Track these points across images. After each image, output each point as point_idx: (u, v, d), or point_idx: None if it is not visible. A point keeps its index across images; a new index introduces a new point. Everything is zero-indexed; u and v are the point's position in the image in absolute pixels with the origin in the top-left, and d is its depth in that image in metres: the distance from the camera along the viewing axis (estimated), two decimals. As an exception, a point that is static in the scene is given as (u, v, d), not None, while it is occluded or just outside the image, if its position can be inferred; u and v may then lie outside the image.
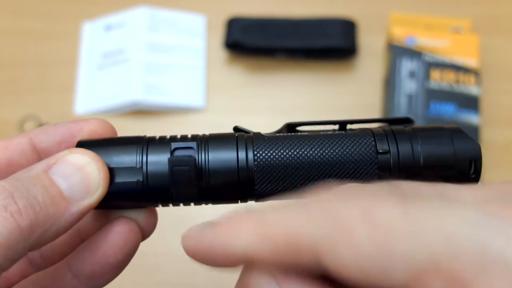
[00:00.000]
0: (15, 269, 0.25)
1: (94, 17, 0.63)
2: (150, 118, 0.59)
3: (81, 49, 0.62)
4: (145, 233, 0.24)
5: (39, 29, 0.63)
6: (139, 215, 0.24)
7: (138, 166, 0.22)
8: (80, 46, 0.62)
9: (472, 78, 0.56)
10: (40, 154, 0.24)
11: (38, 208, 0.19)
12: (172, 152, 0.22)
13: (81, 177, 0.21)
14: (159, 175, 0.22)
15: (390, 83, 0.56)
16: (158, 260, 0.51)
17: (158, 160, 0.22)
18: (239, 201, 0.24)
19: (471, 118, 0.54)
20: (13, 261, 0.19)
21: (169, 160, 0.22)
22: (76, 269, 0.23)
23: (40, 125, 0.57)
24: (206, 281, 0.51)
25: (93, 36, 0.62)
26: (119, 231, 0.23)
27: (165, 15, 0.63)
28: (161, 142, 0.23)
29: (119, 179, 0.22)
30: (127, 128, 0.58)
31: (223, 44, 0.60)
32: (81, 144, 0.23)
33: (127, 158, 0.22)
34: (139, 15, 0.62)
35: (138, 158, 0.22)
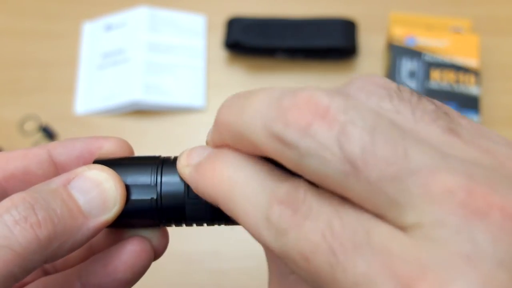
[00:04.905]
0: (28, 277, 0.25)
1: (94, 17, 0.63)
2: (150, 118, 0.58)
3: (81, 49, 0.62)
4: (156, 253, 0.25)
5: (39, 29, 0.63)
6: (152, 235, 0.24)
7: (152, 184, 0.22)
8: (80, 46, 0.62)
9: (472, 78, 0.56)
10: (57, 167, 0.24)
11: (57, 221, 0.20)
12: None
13: (99, 193, 0.21)
14: (173, 194, 0.22)
15: (390, 83, 0.56)
16: (158, 260, 0.51)
17: (172, 179, 0.22)
18: None
19: (471, 118, 0.54)
20: (27, 272, 0.19)
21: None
22: (85, 279, 0.23)
23: (40, 125, 0.57)
24: (206, 281, 0.51)
25: (93, 36, 0.62)
26: (131, 250, 0.23)
27: (165, 15, 0.63)
28: (176, 161, 0.23)
29: (133, 197, 0.22)
30: (127, 128, 0.58)
31: (223, 44, 0.60)
32: (98, 162, 0.23)
33: (142, 176, 0.22)
34: (139, 15, 0.62)
35: (153, 176, 0.22)
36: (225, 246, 0.52)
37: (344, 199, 0.16)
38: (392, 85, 0.18)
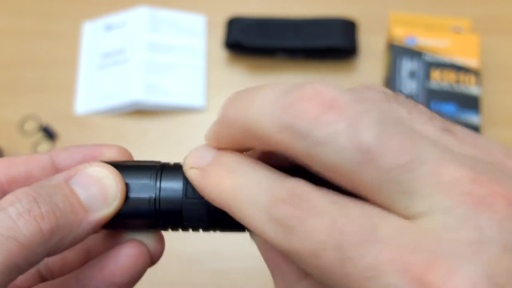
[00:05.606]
0: (26, 279, 0.25)
1: (94, 17, 0.63)
2: (150, 118, 0.58)
3: (81, 49, 0.62)
4: (153, 259, 0.25)
5: (39, 29, 0.63)
6: (149, 240, 0.24)
7: (151, 184, 0.23)
8: (80, 46, 0.62)
9: (472, 78, 0.56)
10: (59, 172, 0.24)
11: (59, 214, 0.20)
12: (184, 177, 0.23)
13: (99, 188, 0.22)
14: (171, 196, 0.23)
15: (390, 83, 0.56)
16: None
17: (171, 182, 0.23)
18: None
19: (472, 118, 0.54)
20: (31, 264, 0.20)
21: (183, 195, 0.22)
22: (83, 283, 0.24)
23: (41, 125, 0.57)
24: (206, 281, 0.51)
25: (93, 36, 0.62)
26: (128, 253, 0.23)
27: (166, 15, 0.63)
28: (176, 166, 0.23)
29: (132, 195, 0.23)
30: (127, 128, 0.58)
31: (223, 44, 0.60)
32: None
33: (142, 177, 0.23)
34: (139, 15, 0.62)
35: (152, 177, 0.23)
36: (225, 246, 0.52)
37: (345, 194, 0.16)
38: (389, 91, 0.19)
